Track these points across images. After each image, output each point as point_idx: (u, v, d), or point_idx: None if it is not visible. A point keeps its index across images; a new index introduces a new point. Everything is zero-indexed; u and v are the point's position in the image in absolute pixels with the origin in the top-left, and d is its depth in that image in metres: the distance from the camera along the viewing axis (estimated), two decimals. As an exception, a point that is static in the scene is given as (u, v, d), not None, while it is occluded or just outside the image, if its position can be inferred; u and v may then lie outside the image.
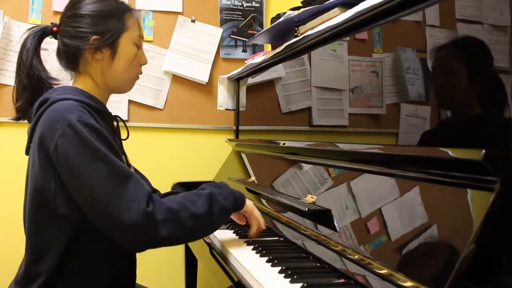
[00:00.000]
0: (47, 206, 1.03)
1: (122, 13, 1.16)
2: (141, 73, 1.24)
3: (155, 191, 1.48)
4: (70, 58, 1.15)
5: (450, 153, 0.77)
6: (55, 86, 1.15)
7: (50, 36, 1.16)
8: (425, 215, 0.82)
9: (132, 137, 1.31)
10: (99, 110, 1.11)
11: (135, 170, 1.32)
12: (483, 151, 0.69)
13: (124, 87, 1.22)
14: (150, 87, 2.35)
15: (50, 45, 1.23)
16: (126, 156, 1.25)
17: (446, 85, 0.89)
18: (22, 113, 1.15)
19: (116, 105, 2.24)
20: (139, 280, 1.30)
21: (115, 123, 1.24)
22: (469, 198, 0.74)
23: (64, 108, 1.02)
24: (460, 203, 0.75)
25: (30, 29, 1.16)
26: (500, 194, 0.68)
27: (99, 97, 1.16)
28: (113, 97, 1.25)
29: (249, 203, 1.19)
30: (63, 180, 1.00)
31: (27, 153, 1.11)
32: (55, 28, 1.15)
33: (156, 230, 0.98)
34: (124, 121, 1.25)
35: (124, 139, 1.28)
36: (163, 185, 2.03)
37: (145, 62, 1.23)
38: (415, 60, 0.98)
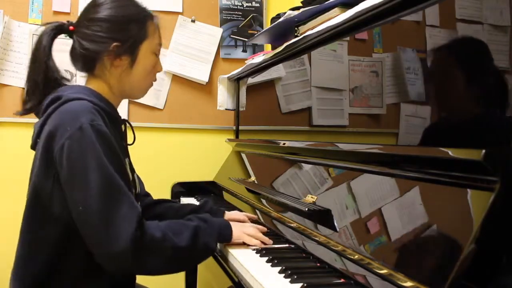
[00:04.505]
0: (42, 204, 1.02)
1: (144, 20, 1.13)
2: (155, 80, 1.22)
3: (147, 194, 1.48)
4: (87, 61, 1.12)
5: (450, 153, 0.77)
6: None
7: (65, 35, 1.13)
8: (425, 215, 0.82)
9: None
10: (109, 113, 1.10)
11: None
12: (483, 151, 0.69)
13: (138, 94, 1.21)
14: (150, 87, 2.35)
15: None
16: (129, 160, 1.24)
17: (446, 85, 0.89)
18: (30, 110, 1.12)
19: (116, 105, 2.24)
20: (139, 280, 1.30)
21: (122, 127, 1.22)
22: (469, 198, 0.74)
23: (78, 109, 1.00)
24: (460, 203, 0.75)
25: (44, 24, 1.11)
26: (500, 194, 0.68)
27: (111, 101, 1.15)
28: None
29: (236, 234, 1.15)
30: (61, 181, 0.99)
31: (33, 147, 1.09)
32: (71, 27, 1.12)
33: (138, 257, 0.96)
34: (132, 126, 1.24)
35: (130, 144, 1.27)
36: (163, 185, 2.04)
37: (161, 70, 1.22)
38: (415, 60, 0.98)
